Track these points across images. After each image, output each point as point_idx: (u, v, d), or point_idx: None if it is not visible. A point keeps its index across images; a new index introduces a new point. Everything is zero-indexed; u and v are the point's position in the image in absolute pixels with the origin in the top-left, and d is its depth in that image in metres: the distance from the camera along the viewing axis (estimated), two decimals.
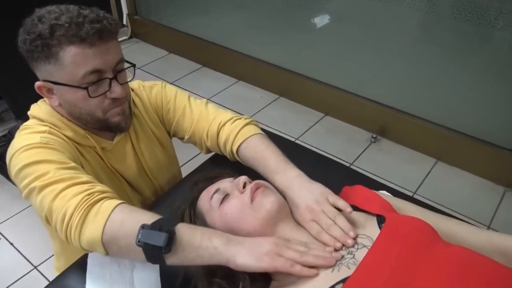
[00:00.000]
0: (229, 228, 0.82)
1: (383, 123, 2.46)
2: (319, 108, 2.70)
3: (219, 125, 1.08)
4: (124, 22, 3.51)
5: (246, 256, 0.73)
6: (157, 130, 1.15)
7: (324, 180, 1.05)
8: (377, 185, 1.10)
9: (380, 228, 0.77)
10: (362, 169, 2.26)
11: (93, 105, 0.93)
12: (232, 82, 3.01)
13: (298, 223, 0.85)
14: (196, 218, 0.89)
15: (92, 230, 0.76)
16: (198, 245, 0.74)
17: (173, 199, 1.05)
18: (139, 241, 0.72)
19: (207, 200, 0.88)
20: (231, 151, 1.06)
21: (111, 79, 0.91)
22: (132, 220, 0.76)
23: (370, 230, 0.78)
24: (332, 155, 2.35)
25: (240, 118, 1.10)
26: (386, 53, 2.30)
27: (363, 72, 2.44)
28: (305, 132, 2.55)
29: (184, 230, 0.75)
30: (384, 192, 1.04)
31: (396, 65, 2.31)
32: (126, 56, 0.96)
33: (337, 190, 1.03)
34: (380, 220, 0.80)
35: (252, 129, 1.07)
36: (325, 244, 0.79)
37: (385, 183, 2.19)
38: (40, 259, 1.83)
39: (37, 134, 0.92)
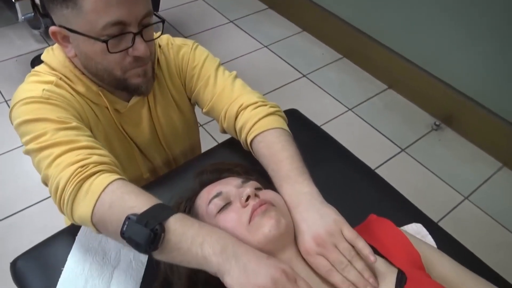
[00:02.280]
0: None
1: (451, 109, 2.18)
2: (383, 79, 2.44)
3: (239, 107, 0.93)
4: None
5: (235, 279, 0.61)
6: (177, 95, 1.03)
7: (341, 179, 0.92)
8: (408, 210, 0.92)
9: None
10: (414, 158, 2.05)
11: (112, 62, 0.83)
12: (295, 31, 2.77)
13: (303, 257, 0.71)
14: (190, 215, 0.78)
15: (82, 209, 0.71)
16: (186, 249, 0.64)
17: (183, 177, 0.95)
18: (123, 233, 0.65)
19: (205, 202, 0.76)
20: (245, 141, 0.92)
21: (135, 34, 0.80)
22: (121, 205, 0.68)
23: None
24: (384, 135, 2.15)
25: (266, 105, 0.93)
26: (472, 30, 1.96)
27: (440, 47, 2.12)
28: (361, 103, 2.32)
29: (175, 229, 0.65)
30: (419, 226, 0.87)
31: (481, 47, 1.97)
32: None
33: (354, 196, 0.90)
34: (401, 279, 0.65)
35: (273, 121, 0.90)
36: (336, 286, 0.66)
37: (435, 180, 2.05)
38: None
39: (42, 85, 0.84)
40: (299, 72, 2.49)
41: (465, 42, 2.01)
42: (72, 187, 0.70)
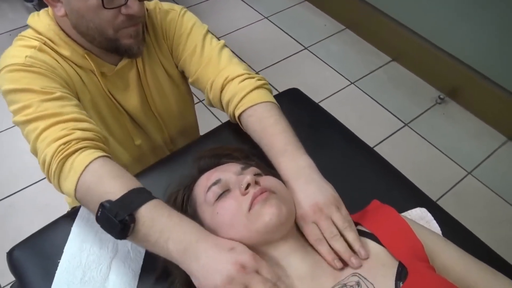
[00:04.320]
0: (216, 229, 0.69)
1: (456, 82, 2.13)
2: (387, 51, 2.37)
3: (225, 79, 0.91)
4: None
5: (196, 278, 0.61)
6: (165, 60, 1.01)
7: (344, 161, 0.92)
8: (412, 193, 0.90)
9: (396, 286, 0.61)
10: (417, 133, 2.02)
11: (104, 20, 0.81)
12: (297, 1, 2.68)
13: (297, 222, 0.71)
14: (188, 204, 0.76)
15: (67, 186, 0.72)
16: (154, 242, 0.65)
17: (182, 161, 0.93)
18: (97, 220, 0.67)
19: (204, 190, 0.74)
20: (233, 115, 0.90)
21: None
22: (98, 189, 0.69)
23: (383, 283, 0.62)
24: (387, 110, 2.11)
25: (253, 78, 0.91)
26: (478, 0, 1.89)
27: (446, 18, 2.05)
28: (365, 76, 2.27)
29: (144, 221, 0.65)
30: (423, 210, 0.84)
31: (488, 18, 1.90)
32: None
33: (357, 179, 0.89)
34: (401, 272, 0.63)
35: (262, 95, 0.88)
36: (322, 256, 0.68)
37: (439, 154, 2.02)
38: None
39: (26, 49, 0.83)
40: (301, 44, 2.42)
41: (472, 12, 1.94)
42: (56, 164, 0.72)
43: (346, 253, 0.67)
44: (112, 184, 0.69)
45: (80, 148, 0.73)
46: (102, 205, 0.65)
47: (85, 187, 0.70)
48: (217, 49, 0.95)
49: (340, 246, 0.67)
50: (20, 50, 0.83)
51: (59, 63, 0.85)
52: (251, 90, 0.88)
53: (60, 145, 0.72)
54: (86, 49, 0.88)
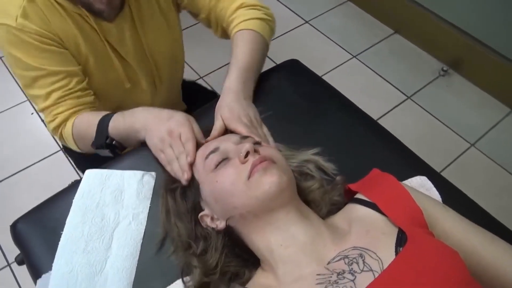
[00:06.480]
0: (215, 197, 0.70)
1: (459, 54, 2.10)
2: (389, 23, 2.34)
3: (241, 4, 1.00)
4: None
5: (146, 140, 0.84)
6: (163, 2, 1.03)
7: (344, 132, 0.93)
8: (412, 162, 0.90)
9: (396, 252, 0.61)
10: (420, 106, 2.00)
11: None
12: None
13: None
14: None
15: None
16: (127, 137, 0.88)
17: None
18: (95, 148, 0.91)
19: (202, 158, 0.74)
20: (230, 32, 1.00)
21: None
22: (87, 137, 0.90)
23: (384, 251, 0.62)
24: (390, 83, 2.09)
25: (261, 9, 1.01)
26: None
27: None
28: (366, 49, 2.24)
29: (114, 134, 0.87)
30: (423, 178, 0.84)
31: None
32: None
33: (358, 149, 0.90)
34: (401, 239, 0.63)
35: (258, 25, 0.97)
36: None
37: (442, 127, 2.00)
38: None
39: (15, 8, 0.85)
40: (302, 18, 2.39)
41: None
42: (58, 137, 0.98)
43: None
44: (90, 131, 0.89)
45: (62, 124, 0.93)
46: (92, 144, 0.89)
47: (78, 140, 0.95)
48: None
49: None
50: (9, 7, 0.85)
51: (51, 10, 0.87)
52: (253, 18, 0.97)
53: (53, 129, 0.95)
54: None
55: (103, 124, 0.88)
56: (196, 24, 1.16)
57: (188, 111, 1.10)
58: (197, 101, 1.32)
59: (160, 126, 0.81)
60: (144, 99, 1.11)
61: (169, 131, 0.80)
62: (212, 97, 1.25)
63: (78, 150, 0.98)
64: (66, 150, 1.37)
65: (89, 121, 0.91)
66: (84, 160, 1.15)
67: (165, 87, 1.16)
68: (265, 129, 0.87)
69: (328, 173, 0.83)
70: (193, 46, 1.48)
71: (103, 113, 0.91)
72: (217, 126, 0.83)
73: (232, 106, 0.84)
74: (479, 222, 0.71)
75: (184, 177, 0.75)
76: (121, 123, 0.87)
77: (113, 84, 1.03)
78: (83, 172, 0.85)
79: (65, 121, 0.93)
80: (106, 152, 0.90)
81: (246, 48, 0.93)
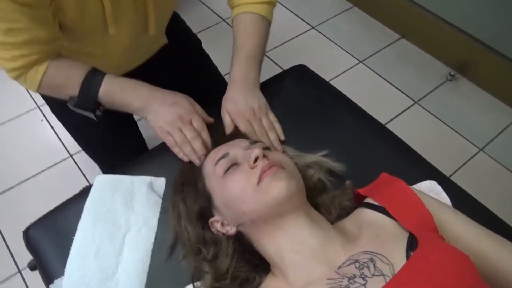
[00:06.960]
0: (225, 203, 0.70)
1: (467, 58, 2.09)
2: (396, 28, 2.33)
3: None
4: None
5: (150, 120, 0.85)
6: None
7: (352, 137, 0.93)
8: (421, 167, 0.90)
9: (407, 256, 0.61)
10: (428, 110, 1.99)
11: None
12: None
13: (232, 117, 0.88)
14: (199, 179, 0.77)
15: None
16: (119, 106, 0.85)
17: None
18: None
19: (212, 163, 0.74)
20: (232, 13, 0.99)
21: None
22: (59, 93, 0.85)
23: (395, 255, 0.62)
24: (397, 88, 2.09)
25: None
26: None
27: None
28: (373, 55, 2.24)
29: (105, 101, 0.83)
30: (433, 183, 0.84)
31: None
32: None
33: (366, 153, 0.90)
34: (412, 242, 0.63)
35: (262, 9, 0.97)
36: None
37: (450, 132, 1.99)
38: (77, 148, 1.85)
39: None
40: (308, 24, 2.39)
41: None
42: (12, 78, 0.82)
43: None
44: (70, 85, 0.82)
45: (25, 72, 0.80)
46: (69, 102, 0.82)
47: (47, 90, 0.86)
48: None
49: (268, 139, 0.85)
50: None
51: None
52: (258, 2, 0.96)
53: (11, 69, 0.80)
54: None
55: (90, 85, 0.81)
56: (214, 25, 1.15)
57: (169, 46, 1.12)
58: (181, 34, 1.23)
59: (167, 109, 0.84)
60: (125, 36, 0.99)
61: (179, 116, 0.83)
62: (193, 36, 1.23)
63: (34, 92, 0.86)
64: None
65: (69, 75, 0.82)
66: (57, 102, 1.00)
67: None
68: (271, 116, 0.90)
69: (337, 173, 0.84)
70: (213, 48, 1.46)
71: (85, 67, 0.82)
72: (227, 123, 0.88)
73: (236, 99, 0.88)
74: (489, 226, 0.71)
75: (197, 160, 0.82)
76: (118, 94, 0.83)
77: (92, 28, 0.89)
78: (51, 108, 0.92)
79: (31, 66, 0.80)
80: (85, 113, 0.83)
81: (253, 36, 0.94)
